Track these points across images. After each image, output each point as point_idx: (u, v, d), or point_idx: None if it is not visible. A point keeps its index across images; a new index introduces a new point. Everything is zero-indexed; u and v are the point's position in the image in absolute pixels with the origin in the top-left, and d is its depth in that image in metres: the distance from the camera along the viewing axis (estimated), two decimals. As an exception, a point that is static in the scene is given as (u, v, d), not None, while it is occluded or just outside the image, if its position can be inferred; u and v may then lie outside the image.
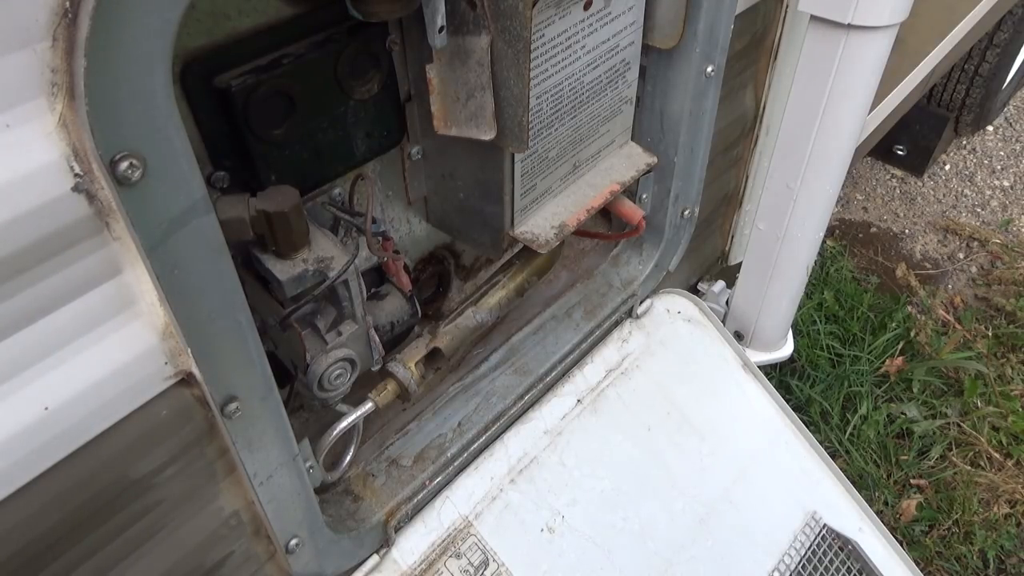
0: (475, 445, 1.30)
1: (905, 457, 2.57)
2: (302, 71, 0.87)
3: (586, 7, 1.01)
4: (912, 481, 2.53)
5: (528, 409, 1.38)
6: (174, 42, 0.59)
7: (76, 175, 0.59)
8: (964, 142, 4.00)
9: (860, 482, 2.49)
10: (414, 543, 1.21)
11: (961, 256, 3.42)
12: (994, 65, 3.43)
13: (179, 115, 0.62)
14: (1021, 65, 3.88)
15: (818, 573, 1.42)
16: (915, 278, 3.18)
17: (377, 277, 1.09)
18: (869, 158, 3.86)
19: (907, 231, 3.55)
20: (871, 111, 1.59)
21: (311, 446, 1.03)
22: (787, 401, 1.64)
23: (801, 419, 1.57)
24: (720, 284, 1.84)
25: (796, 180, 1.52)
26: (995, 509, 2.44)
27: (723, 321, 1.78)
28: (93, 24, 0.54)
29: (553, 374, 1.41)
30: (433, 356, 1.25)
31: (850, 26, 1.29)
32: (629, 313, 1.55)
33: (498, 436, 1.33)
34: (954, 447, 2.62)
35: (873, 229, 3.55)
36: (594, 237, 1.59)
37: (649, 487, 1.39)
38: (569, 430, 1.38)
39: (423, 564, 1.19)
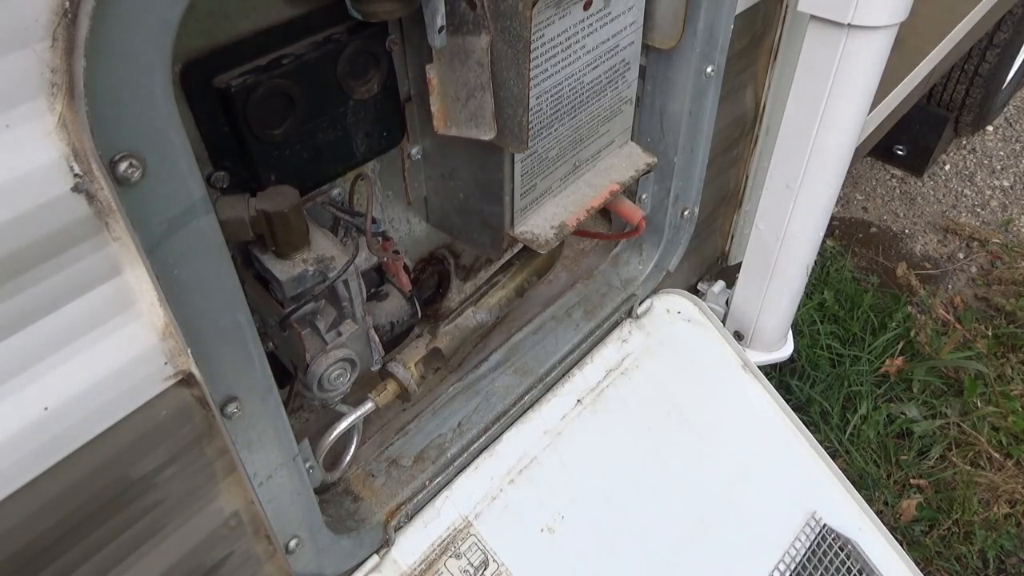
0: (475, 445, 1.30)
1: (905, 457, 2.57)
2: (302, 71, 0.87)
3: (586, 7, 1.01)
4: (912, 481, 2.53)
5: (528, 409, 1.38)
6: (174, 42, 0.59)
7: (76, 175, 0.59)
8: (964, 142, 4.00)
9: (860, 482, 2.49)
10: (414, 543, 1.21)
11: (961, 256, 3.42)
12: (994, 65, 3.44)
13: (179, 115, 0.62)
14: (1021, 65, 3.88)
15: (818, 573, 1.42)
16: (915, 278, 3.18)
17: (377, 277, 1.08)
18: (869, 158, 3.86)
19: (907, 231, 3.55)
20: (871, 111, 1.59)
21: (311, 446, 1.03)
22: (787, 401, 1.64)
23: (801, 419, 1.57)
24: (720, 284, 1.84)
25: (796, 180, 1.52)
26: (995, 509, 2.44)
27: (723, 321, 1.78)
28: (93, 24, 0.54)
29: (553, 374, 1.41)
30: (433, 356, 1.25)
31: (850, 26, 1.29)
32: (629, 313, 1.55)
33: (498, 436, 1.33)
34: (954, 447, 2.62)
35: (873, 229, 3.55)
36: (594, 237, 1.59)
37: (649, 487, 1.39)
38: (569, 430, 1.38)
39: (423, 564, 1.19)
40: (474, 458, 1.30)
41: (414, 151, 1.13)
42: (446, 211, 1.20)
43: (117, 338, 0.68)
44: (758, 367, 1.60)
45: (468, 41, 0.89)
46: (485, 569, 1.22)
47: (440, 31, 0.87)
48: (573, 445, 1.37)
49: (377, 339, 1.03)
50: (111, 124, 0.58)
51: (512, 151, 1.03)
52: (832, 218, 3.01)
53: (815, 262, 2.10)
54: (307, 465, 1.00)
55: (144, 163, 0.61)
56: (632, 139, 1.30)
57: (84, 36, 0.54)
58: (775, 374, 2.69)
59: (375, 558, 1.17)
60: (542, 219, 1.16)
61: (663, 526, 1.37)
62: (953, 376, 2.80)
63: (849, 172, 1.59)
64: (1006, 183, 3.79)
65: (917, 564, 1.55)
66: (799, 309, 2.08)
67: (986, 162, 3.91)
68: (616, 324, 1.53)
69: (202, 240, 0.68)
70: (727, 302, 1.83)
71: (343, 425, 1.14)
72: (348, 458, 1.19)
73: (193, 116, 0.82)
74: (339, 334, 0.97)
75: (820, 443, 1.56)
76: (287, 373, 1.05)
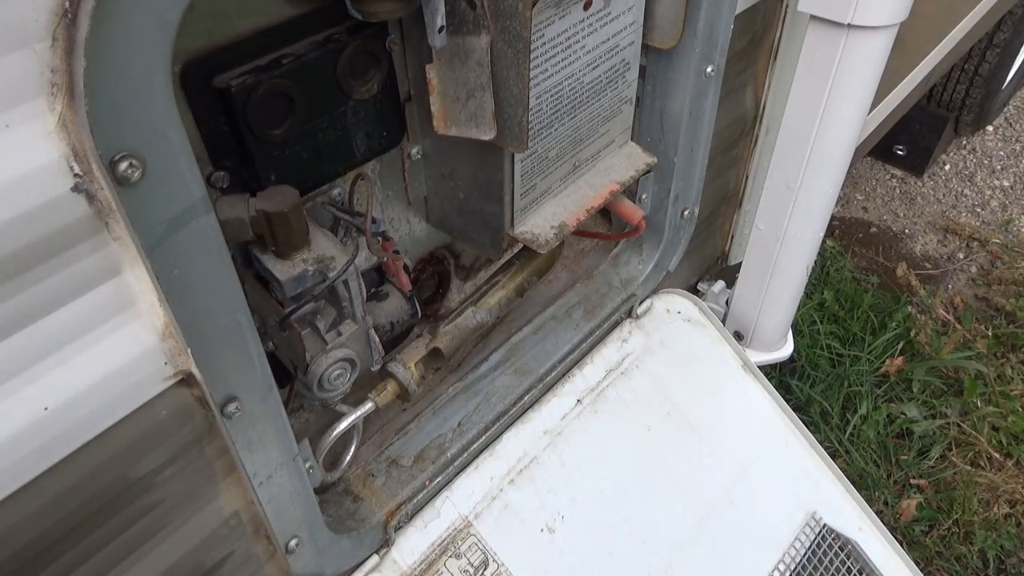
0: (475, 445, 1.30)
1: (905, 457, 2.57)
2: (302, 71, 0.87)
3: (586, 7, 1.01)
4: (912, 481, 2.53)
5: (528, 409, 1.38)
6: (174, 42, 0.59)
7: (76, 175, 0.59)
8: (964, 142, 4.00)
9: (860, 482, 2.49)
10: (414, 543, 1.21)
11: (961, 256, 3.42)
12: (994, 65, 3.43)
13: (179, 115, 0.62)
14: (1021, 65, 3.88)
15: (818, 573, 1.42)
16: (915, 278, 3.18)
17: (377, 277, 1.09)
18: (869, 158, 3.86)
19: (907, 231, 3.55)
20: (871, 111, 1.59)
21: (311, 446, 1.03)
22: (787, 401, 1.64)
23: (801, 419, 1.57)
24: (720, 284, 1.84)
25: (796, 180, 1.52)
26: (995, 509, 2.44)
27: (723, 321, 1.78)
28: (93, 24, 0.54)
29: (553, 374, 1.41)
30: (433, 356, 1.25)
31: (850, 26, 1.29)
32: (629, 313, 1.55)
33: (498, 436, 1.33)
34: (954, 447, 2.62)
35: (873, 229, 3.55)
36: (594, 237, 1.59)
37: (649, 487, 1.39)
38: (569, 430, 1.38)
39: (423, 564, 1.19)
40: (474, 458, 1.30)
41: (414, 151, 1.13)
42: (446, 211, 1.20)
43: (117, 338, 0.68)
44: (758, 367, 1.60)
45: (468, 41, 0.89)
46: (485, 569, 1.22)
47: (440, 31, 0.87)
48: (573, 445, 1.37)
49: (377, 339, 1.03)
50: (111, 124, 0.58)
51: (512, 151, 1.03)
52: (832, 218, 3.01)
53: (815, 262, 2.10)
54: (307, 465, 1.00)
55: (144, 163, 0.61)
56: (632, 139, 1.30)
57: (84, 36, 0.54)
58: (775, 374, 2.69)
59: (375, 558, 1.17)
60: (542, 219, 1.16)
61: (663, 526, 1.37)
62: (953, 376, 2.80)
63: (849, 172, 1.59)
64: (1006, 183, 3.79)
65: (917, 564, 1.55)
66: (799, 309, 2.08)
67: (986, 162, 3.91)
68: (616, 324, 1.53)
69: (202, 240, 0.68)
70: (727, 302, 1.83)
71: (343, 425, 1.14)
72: (348, 458, 1.19)
73: (193, 116, 0.82)
74: (339, 334, 0.98)
75: (820, 443, 1.56)
76: (287, 373, 1.05)
